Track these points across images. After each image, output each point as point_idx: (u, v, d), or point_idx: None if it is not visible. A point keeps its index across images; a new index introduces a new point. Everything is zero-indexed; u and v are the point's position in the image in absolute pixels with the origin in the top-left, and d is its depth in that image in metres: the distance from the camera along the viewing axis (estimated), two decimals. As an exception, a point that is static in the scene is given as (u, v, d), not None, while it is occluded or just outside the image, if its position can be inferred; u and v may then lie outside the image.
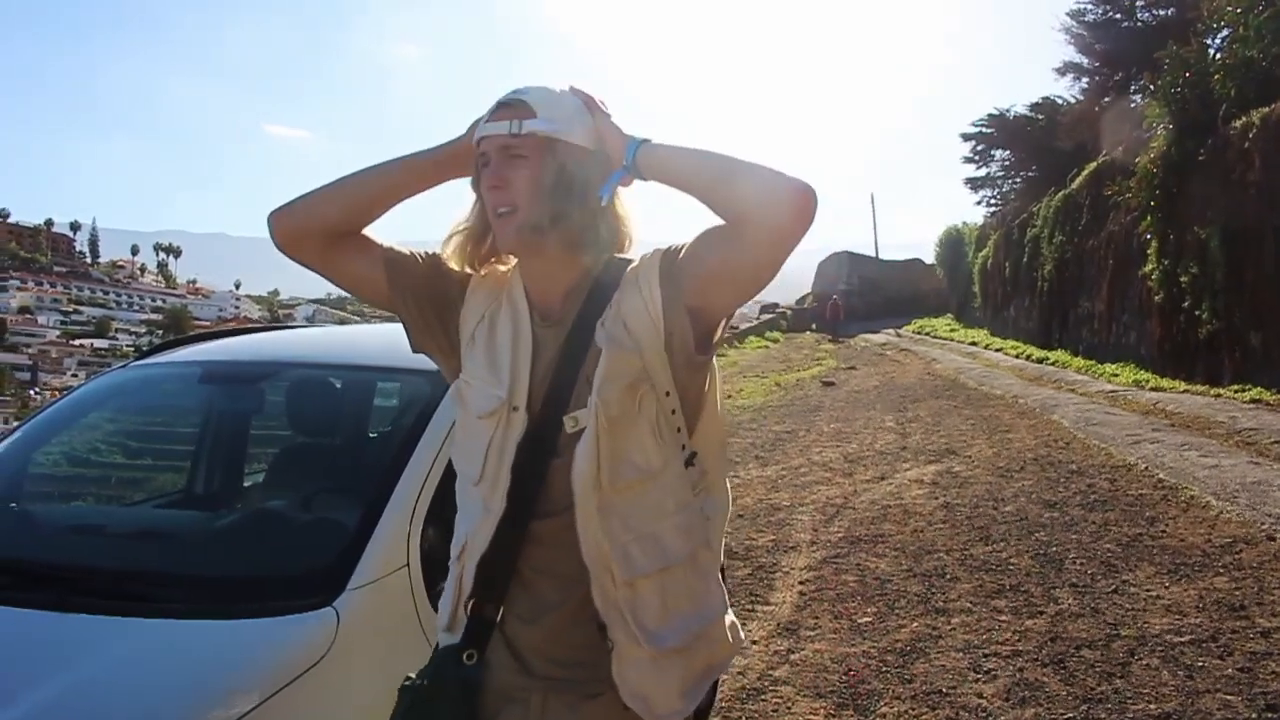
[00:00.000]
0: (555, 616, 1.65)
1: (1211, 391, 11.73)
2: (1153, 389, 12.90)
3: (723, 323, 1.67)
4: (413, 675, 1.67)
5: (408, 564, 2.29)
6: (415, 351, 1.83)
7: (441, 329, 1.79)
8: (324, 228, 1.76)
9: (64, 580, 2.29)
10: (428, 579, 2.29)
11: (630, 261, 1.70)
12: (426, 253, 1.83)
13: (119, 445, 4.34)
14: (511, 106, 1.64)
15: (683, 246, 1.62)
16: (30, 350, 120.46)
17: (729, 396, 15.71)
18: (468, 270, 1.77)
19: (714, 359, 1.72)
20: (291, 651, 2.00)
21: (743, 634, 1.78)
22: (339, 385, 3.30)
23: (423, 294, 1.78)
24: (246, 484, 3.60)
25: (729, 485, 1.81)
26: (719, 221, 1.55)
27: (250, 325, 4.27)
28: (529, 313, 1.72)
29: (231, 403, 3.40)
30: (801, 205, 1.47)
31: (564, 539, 1.60)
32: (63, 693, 1.84)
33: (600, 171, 1.65)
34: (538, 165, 1.61)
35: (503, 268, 1.79)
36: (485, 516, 1.65)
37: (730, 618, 1.78)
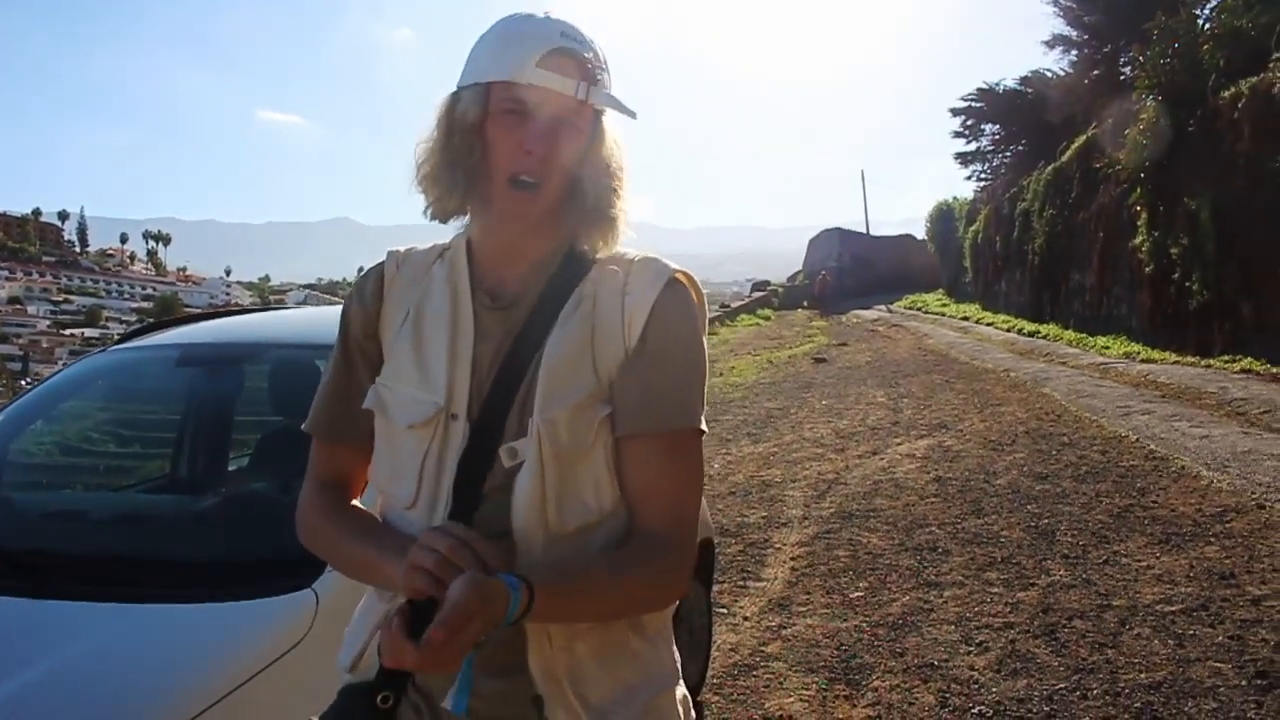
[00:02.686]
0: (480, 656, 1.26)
1: (1202, 362, 11.76)
2: (1144, 361, 12.93)
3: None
4: (316, 719, 1.35)
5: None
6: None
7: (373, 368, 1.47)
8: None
9: (42, 566, 2.27)
10: None
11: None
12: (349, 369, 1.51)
13: (97, 430, 4.30)
14: (575, 59, 1.28)
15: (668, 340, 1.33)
16: (21, 341, 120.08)
17: (720, 375, 15.70)
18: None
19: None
20: (271, 634, 1.99)
21: (694, 714, 1.49)
22: (322, 366, 3.27)
23: (376, 364, 1.46)
24: (231, 468, 3.57)
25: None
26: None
27: (235, 308, 4.22)
28: (471, 293, 1.39)
29: (211, 385, 3.37)
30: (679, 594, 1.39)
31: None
32: (41, 678, 1.83)
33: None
34: (587, 142, 1.32)
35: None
36: None
37: (681, 690, 1.46)
